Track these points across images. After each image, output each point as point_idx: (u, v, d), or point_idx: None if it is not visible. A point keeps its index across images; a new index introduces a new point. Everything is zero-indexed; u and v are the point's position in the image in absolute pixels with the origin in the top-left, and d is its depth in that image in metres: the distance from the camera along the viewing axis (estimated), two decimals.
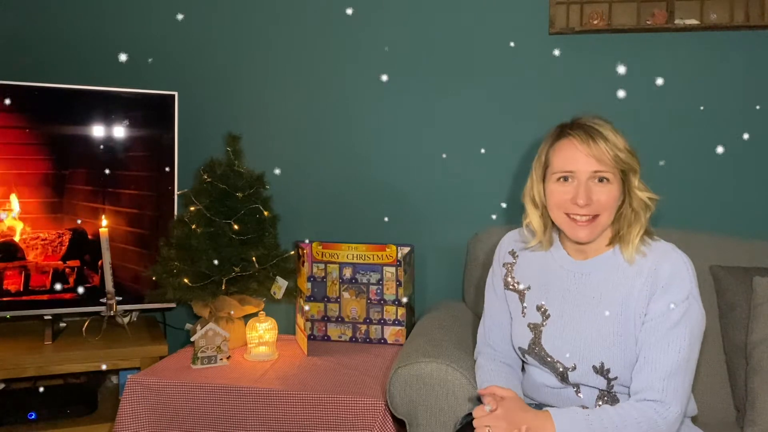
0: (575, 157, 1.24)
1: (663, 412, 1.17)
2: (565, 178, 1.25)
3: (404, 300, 1.99)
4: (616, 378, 1.24)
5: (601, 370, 1.25)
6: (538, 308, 1.35)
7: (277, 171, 2.01)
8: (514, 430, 1.15)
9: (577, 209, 1.24)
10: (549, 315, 1.33)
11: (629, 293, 1.25)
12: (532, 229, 1.36)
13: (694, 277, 1.23)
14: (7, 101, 1.92)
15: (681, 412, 1.19)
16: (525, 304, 1.38)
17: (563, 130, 1.28)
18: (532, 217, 1.35)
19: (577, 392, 1.31)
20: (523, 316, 1.37)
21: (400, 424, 1.53)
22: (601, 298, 1.28)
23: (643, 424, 1.16)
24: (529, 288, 1.38)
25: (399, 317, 2.00)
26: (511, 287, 1.41)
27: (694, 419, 1.38)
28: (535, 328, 1.35)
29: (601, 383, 1.26)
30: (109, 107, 2.00)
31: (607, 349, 1.24)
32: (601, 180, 1.23)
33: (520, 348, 1.37)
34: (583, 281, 1.31)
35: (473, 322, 1.82)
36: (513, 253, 1.42)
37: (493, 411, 1.17)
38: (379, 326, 2.02)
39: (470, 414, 1.29)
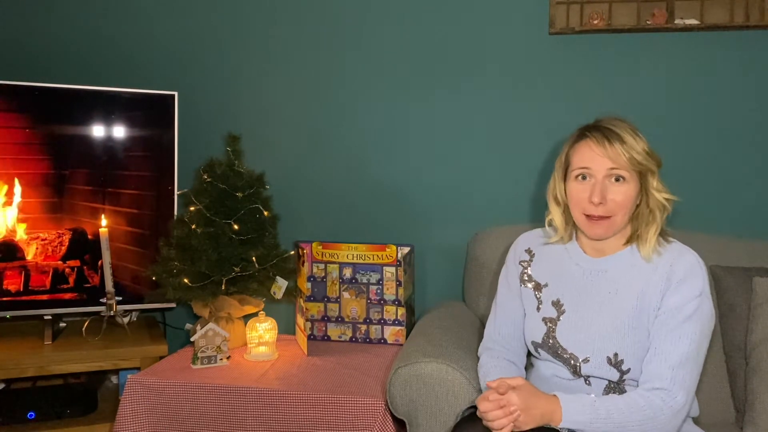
0: (591, 157, 1.28)
1: (669, 400, 1.19)
2: (584, 177, 1.29)
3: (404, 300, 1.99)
4: (628, 370, 1.26)
5: (615, 362, 1.27)
6: (554, 303, 1.38)
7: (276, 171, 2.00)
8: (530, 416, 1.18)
9: (593, 208, 1.27)
10: (564, 310, 1.36)
11: (645, 288, 1.28)
12: (554, 225, 1.40)
13: (707, 277, 1.28)
14: (7, 101, 1.92)
15: (686, 403, 1.21)
16: (541, 300, 1.40)
17: (582, 132, 1.32)
18: (555, 214, 1.39)
19: (587, 383, 1.32)
20: (538, 311, 1.39)
21: (400, 424, 1.53)
22: (617, 292, 1.31)
23: (648, 410, 1.18)
24: (546, 285, 1.40)
25: (399, 317, 2.00)
26: (527, 284, 1.43)
27: (695, 420, 1.38)
28: (550, 322, 1.37)
29: (614, 375, 1.28)
30: (109, 107, 2.00)
31: (622, 340, 1.27)
32: (617, 179, 1.27)
33: (533, 342, 1.39)
34: (600, 278, 1.34)
35: (473, 322, 1.82)
36: (529, 251, 1.45)
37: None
38: (379, 326, 2.02)
39: (470, 407, 1.29)
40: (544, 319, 1.38)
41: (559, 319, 1.36)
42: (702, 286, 1.26)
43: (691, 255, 1.30)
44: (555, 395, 1.21)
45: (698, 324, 1.24)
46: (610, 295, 1.31)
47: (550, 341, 1.35)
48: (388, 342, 2.02)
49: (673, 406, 1.19)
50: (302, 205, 2.22)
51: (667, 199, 1.30)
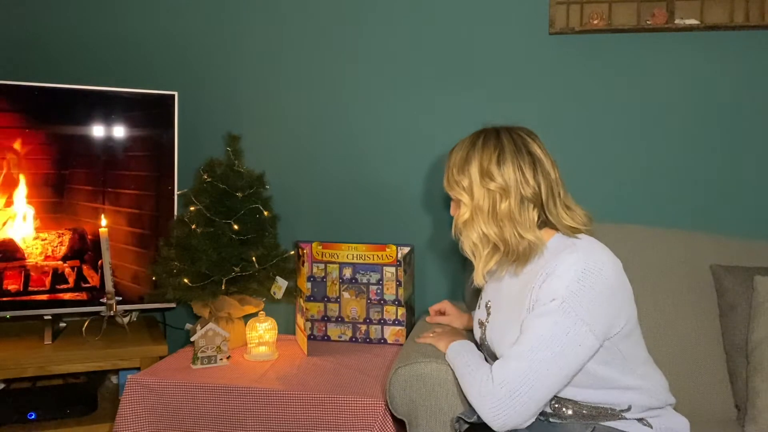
0: None
1: (488, 385, 1.16)
2: None
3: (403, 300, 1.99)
4: None
5: None
6: (486, 305, 1.39)
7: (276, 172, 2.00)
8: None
9: None
10: (491, 312, 1.36)
11: (531, 298, 1.22)
12: None
13: (582, 289, 1.14)
14: (8, 101, 1.92)
15: (502, 404, 1.14)
16: (480, 300, 1.43)
17: None
18: None
19: None
20: (478, 308, 1.43)
21: (400, 424, 1.53)
22: (515, 303, 1.26)
23: (474, 383, 1.21)
24: (487, 282, 1.41)
25: (399, 317, 2.00)
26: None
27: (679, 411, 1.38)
28: (481, 325, 1.39)
29: None
30: (109, 107, 2.00)
31: None
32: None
33: (476, 342, 1.42)
34: (515, 282, 1.29)
35: None
36: None
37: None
38: (379, 326, 2.02)
39: (460, 418, 1.29)
40: (479, 321, 1.41)
41: (487, 321, 1.36)
42: (562, 294, 1.13)
43: (572, 258, 1.16)
44: (465, 340, 1.39)
45: (549, 329, 1.13)
46: (517, 303, 1.26)
47: (485, 344, 1.36)
48: (388, 342, 2.02)
49: (487, 395, 1.15)
50: (302, 205, 2.22)
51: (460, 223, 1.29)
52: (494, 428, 1.16)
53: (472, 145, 1.30)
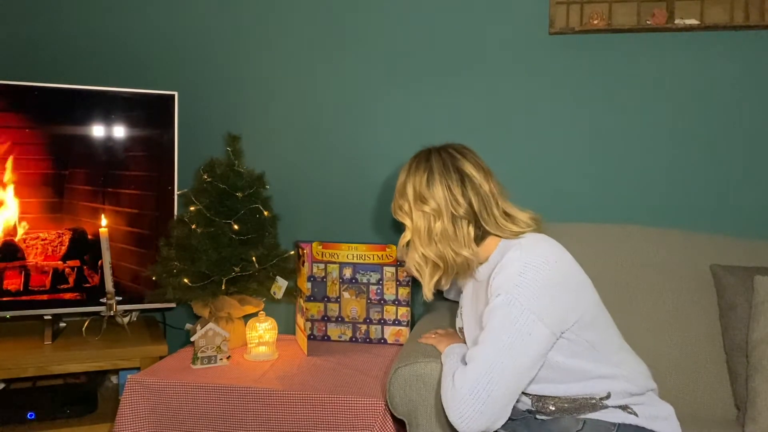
0: None
1: (449, 395, 1.17)
2: None
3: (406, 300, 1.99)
4: None
5: None
6: (462, 313, 1.43)
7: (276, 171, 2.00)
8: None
9: None
10: (464, 320, 1.40)
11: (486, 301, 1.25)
12: None
13: (525, 281, 1.16)
14: (8, 101, 1.92)
15: (465, 404, 1.14)
16: (459, 309, 1.46)
17: None
18: None
19: None
20: (458, 317, 1.46)
21: (400, 424, 1.53)
22: (477, 309, 1.32)
23: (442, 391, 1.22)
24: (461, 292, 1.46)
25: (399, 317, 2.00)
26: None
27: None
28: (461, 332, 1.42)
29: None
30: (109, 107, 2.00)
31: None
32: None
33: None
34: (479, 288, 1.34)
35: None
36: None
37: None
38: (379, 326, 2.02)
39: None
40: (458, 329, 1.45)
41: (462, 329, 1.40)
42: (509, 287, 1.15)
43: (514, 255, 1.19)
44: (459, 343, 1.38)
45: (498, 323, 1.15)
46: (478, 309, 1.30)
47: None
48: (388, 342, 2.02)
49: (450, 398, 1.16)
50: (302, 205, 2.22)
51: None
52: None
53: (408, 169, 1.35)
